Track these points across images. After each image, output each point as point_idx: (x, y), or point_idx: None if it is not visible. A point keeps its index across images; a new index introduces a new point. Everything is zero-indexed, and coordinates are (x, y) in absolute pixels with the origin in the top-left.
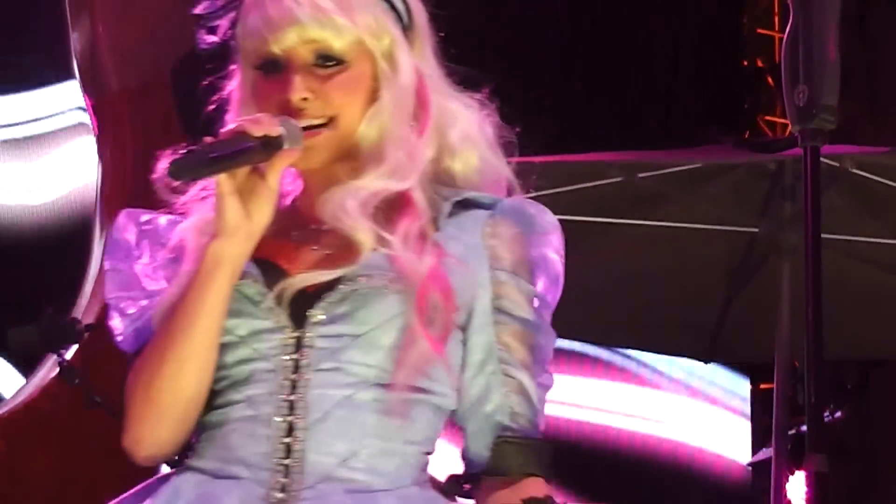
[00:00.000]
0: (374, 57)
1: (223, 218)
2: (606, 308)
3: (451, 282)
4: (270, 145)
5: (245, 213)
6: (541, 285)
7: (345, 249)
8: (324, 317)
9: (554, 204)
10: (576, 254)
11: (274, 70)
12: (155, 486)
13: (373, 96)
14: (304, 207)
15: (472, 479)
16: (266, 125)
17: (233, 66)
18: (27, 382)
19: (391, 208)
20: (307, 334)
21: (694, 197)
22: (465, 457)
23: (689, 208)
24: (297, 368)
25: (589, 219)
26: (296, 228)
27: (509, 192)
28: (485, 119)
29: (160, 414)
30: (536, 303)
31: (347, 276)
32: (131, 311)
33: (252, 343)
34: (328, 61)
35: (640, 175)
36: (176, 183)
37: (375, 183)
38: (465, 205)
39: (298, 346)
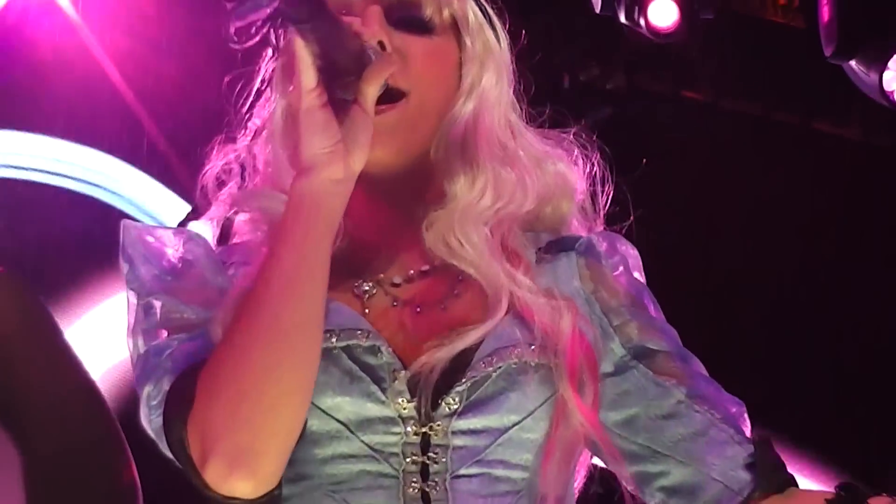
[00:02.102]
0: (463, 41)
1: (312, 142)
2: None
3: (589, 341)
4: (361, 52)
5: (339, 140)
6: (654, 311)
7: (465, 302)
8: (458, 406)
9: None
10: None
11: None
12: None
13: (455, 84)
14: (362, 244)
15: None
16: (358, 26)
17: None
18: None
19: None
20: (438, 429)
21: None
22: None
23: None
24: (426, 475)
25: None
26: (386, 277)
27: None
28: (576, 165)
29: (259, 416)
30: (663, 330)
31: (483, 346)
32: (177, 323)
33: (360, 434)
34: (413, 23)
35: None
36: None
37: (491, 199)
38: (547, 249)
39: (426, 444)
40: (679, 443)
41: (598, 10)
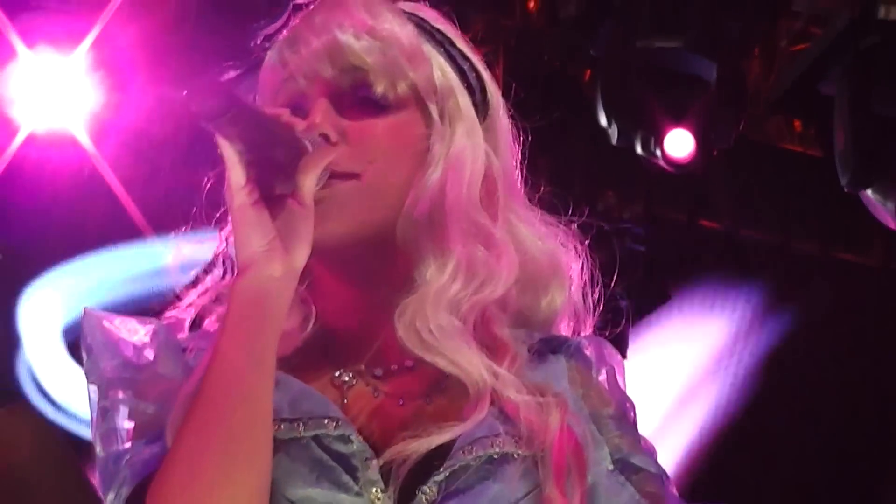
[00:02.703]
0: (427, 112)
1: (247, 241)
2: None
3: (578, 440)
4: (295, 142)
5: (276, 236)
6: (637, 424)
7: (451, 396)
8: (436, 496)
9: None
10: None
11: (297, 117)
12: None
13: (419, 159)
14: (338, 333)
15: None
16: (288, 117)
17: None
18: None
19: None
20: None
21: None
22: None
23: None
24: None
25: None
26: (367, 368)
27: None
28: (574, 252)
29: None
30: (647, 448)
31: (466, 437)
32: (140, 428)
33: None
34: (366, 102)
35: None
36: None
37: (463, 282)
38: (538, 348)
39: None
40: None
41: (614, 141)
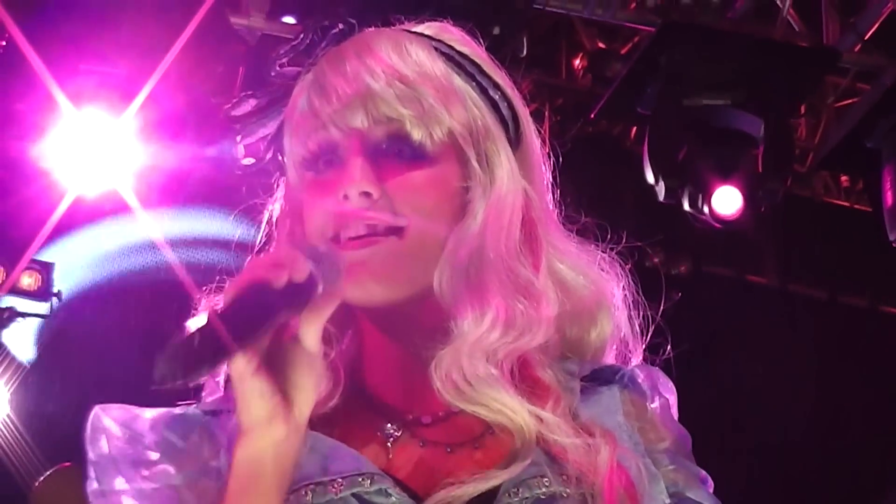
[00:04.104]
0: (465, 158)
1: (248, 409)
2: None
3: (631, 476)
4: (299, 294)
5: (280, 395)
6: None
7: (501, 439)
8: None
9: None
10: None
11: (331, 165)
12: None
13: (459, 210)
14: (383, 385)
15: None
16: (288, 266)
17: (277, 179)
18: None
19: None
20: None
21: None
22: None
23: None
24: None
25: None
26: (414, 418)
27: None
28: (616, 279)
29: None
30: (703, 480)
31: (512, 481)
32: None
33: None
34: (403, 152)
35: None
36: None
37: (500, 332)
38: (590, 379)
39: None
40: None
41: (661, 198)
